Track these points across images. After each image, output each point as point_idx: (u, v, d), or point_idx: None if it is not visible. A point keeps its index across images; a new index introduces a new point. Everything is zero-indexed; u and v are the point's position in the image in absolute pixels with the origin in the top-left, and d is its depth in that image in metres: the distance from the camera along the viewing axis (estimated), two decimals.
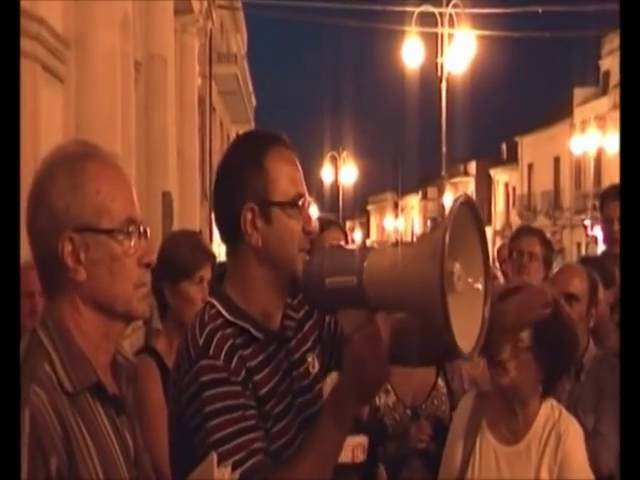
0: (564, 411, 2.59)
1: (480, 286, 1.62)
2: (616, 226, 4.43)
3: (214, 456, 1.46)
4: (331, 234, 4.05)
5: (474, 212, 1.60)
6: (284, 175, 1.81)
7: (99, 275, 1.48)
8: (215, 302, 1.81)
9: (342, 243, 4.00)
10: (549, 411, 2.57)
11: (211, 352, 1.71)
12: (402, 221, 57.88)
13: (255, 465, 1.65)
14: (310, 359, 1.91)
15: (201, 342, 1.73)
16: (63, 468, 1.35)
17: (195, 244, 2.94)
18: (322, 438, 1.66)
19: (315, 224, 1.84)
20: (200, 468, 1.48)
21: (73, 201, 1.47)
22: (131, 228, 1.51)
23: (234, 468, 1.57)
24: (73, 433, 1.38)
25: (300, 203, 1.81)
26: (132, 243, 1.51)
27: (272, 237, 1.79)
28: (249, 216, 1.78)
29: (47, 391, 1.38)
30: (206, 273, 2.89)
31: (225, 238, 1.86)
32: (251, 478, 1.62)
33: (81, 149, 1.54)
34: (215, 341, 1.73)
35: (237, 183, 1.80)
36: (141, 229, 1.54)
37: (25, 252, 1.53)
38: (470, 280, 1.59)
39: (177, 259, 2.87)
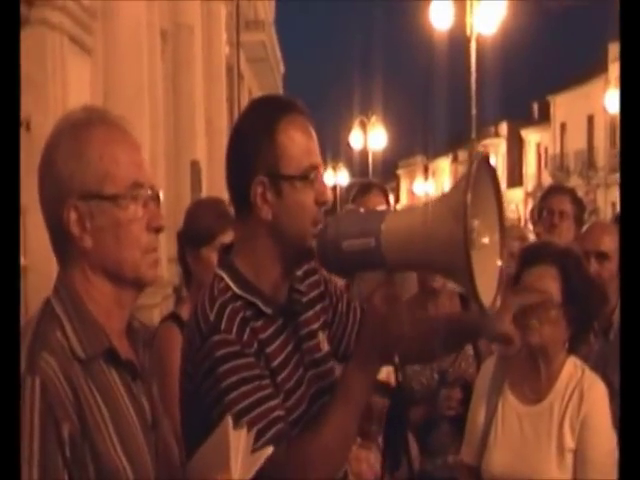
0: (587, 369, 2.57)
1: (496, 241, 1.65)
2: None
3: (229, 420, 1.46)
4: (374, 197, 3.99)
5: (490, 170, 1.63)
6: (297, 146, 1.75)
7: (105, 242, 1.46)
8: (224, 275, 1.78)
9: (383, 206, 3.97)
10: (572, 369, 2.55)
11: (223, 326, 1.69)
12: (432, 184, 57.43)
13: (277, 433, 1.65)
14: (321, 337, 1.90)
15: (212, 317, 1.70)
16: (76, 434, 1.35)
17: (216, 210, 2.91)
18: (348, 396, 1.66)
19: (329, 194, 1.79)
20: (216, 433, 1.48)
21: (77, 168, 1.45)
22: (137, 192, 1.48)
23: (257, 438, 1.57)
24: (86, 399, 1.38)
25: (313, 175, 1.76)
26: (139, 208, 1.48)
27: (283, 211, 1.74)
28: (259, 189, 1.74)
29: (58, 358, 1.37)
30: (227, 239, 2.88)
31: (235, 208, 1.82)
32: (274, 446, 1.60)
33: (86, 115, 1.51)
34: (226, 315, 1.70)
35: (248, 154, 1.75)
36: (150, 193, 1.50)
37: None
38: (488, 236, 1.63)
39: (197, 225, 2.86)
